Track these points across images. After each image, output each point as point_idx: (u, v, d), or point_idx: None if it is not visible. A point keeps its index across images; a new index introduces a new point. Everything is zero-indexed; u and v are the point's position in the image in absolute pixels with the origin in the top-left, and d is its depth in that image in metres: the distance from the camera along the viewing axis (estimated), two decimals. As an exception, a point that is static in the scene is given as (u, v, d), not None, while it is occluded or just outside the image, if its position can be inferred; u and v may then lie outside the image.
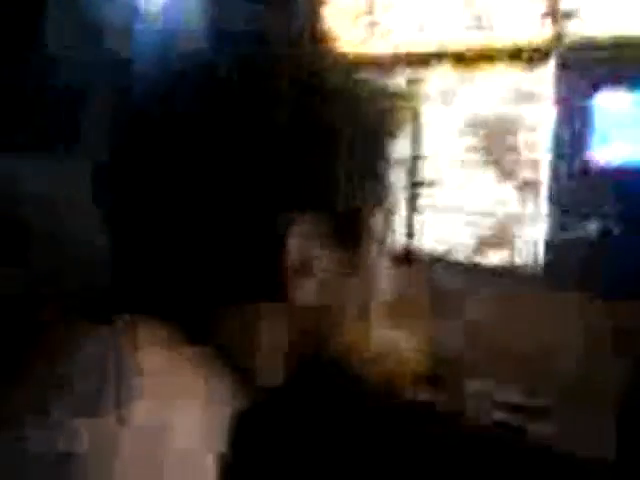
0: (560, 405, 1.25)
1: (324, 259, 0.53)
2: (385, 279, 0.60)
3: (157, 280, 0.52)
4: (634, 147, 1.34)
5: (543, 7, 1.43)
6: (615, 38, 1.34)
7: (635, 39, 1.32)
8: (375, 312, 0.60)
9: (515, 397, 1.28)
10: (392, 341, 1.57)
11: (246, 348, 0.55)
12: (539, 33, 1.44)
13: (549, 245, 1.45)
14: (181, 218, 0.51)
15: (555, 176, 1.44)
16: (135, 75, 0.51)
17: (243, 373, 0.55)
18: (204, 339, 0.52)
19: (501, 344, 1.47)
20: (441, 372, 1.46)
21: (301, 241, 0.51)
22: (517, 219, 1.50)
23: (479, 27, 1.54)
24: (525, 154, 1.48)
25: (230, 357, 0.54)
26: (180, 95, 0.49)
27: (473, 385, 1.42)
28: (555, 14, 1.41)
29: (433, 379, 1.36)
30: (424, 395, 1.28)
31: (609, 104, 1.36)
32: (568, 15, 1.40)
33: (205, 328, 0.53)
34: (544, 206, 1.46)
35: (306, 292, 0.52)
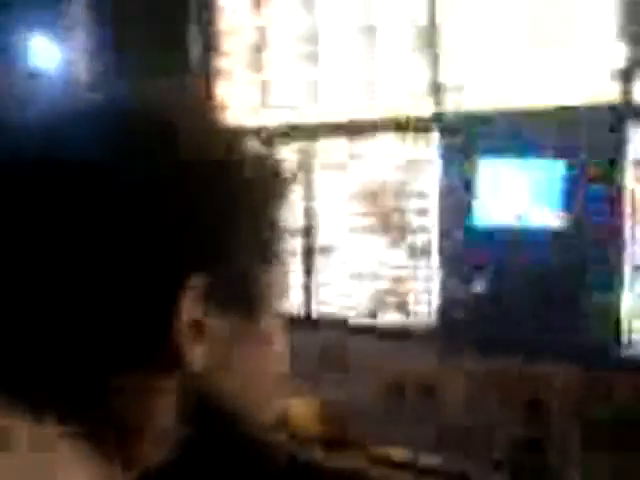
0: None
1: (216, 324, 0.54)
2: (280, 343, 0.61)
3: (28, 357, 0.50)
4: (514, 210, 1.42)
5: (426, 81, 1.52)
6: (495, 110, 1.43)
7: (514, 112, 1.41)
8: (272, 378, 0.61)
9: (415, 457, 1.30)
10: (291, 406, 1.58)
11: (131, 425, 0.54)
12: (424, 104, 1.52)
13: (441, 305, 1.51)
14: (63, 285, 0.49)
15: (443, 239, 1.51)
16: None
17: (127, 453, 0.54)
18: (82, 417, 0.51)
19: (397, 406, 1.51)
20: (342, 435, 1.48)
21: (193, 305, 0.51)
22: (409, 281, 1.55)
23: (368, 98, 1.60)
24: (414, 219, 1.54)
25: (109, 437, 0.52)
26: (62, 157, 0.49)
27: (376, 448, 1.44)
28: (437, 88, 1.50)
29: (336, 442, 1.37)
30: (327, 459, 1.28)
31: (490, 171, 1.44)
32: (450, 89, 1.48)
33: (85, 404, 0.51)
34: (434, 268, 1.52)
35: (198, 358, 0.52)
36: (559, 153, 1.36)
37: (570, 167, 1.35)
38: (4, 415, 0.48)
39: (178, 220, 0.49)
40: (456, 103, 1.48)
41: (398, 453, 1.30)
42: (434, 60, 1.50)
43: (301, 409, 1.53)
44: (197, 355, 0.51)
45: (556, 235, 1.36)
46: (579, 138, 1.34)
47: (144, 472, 0.54)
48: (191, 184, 0.51)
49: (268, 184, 0.56)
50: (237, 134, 0.58)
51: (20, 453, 0.46)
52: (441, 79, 1.50)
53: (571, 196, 1.35)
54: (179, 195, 0.50)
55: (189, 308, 0.49)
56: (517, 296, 1.42)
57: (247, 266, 0.54)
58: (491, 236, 1.45)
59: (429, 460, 1.24)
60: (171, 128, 0.52)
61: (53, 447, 0.47)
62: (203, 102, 0.63)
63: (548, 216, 1.38)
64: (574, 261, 1.34)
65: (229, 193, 0.53)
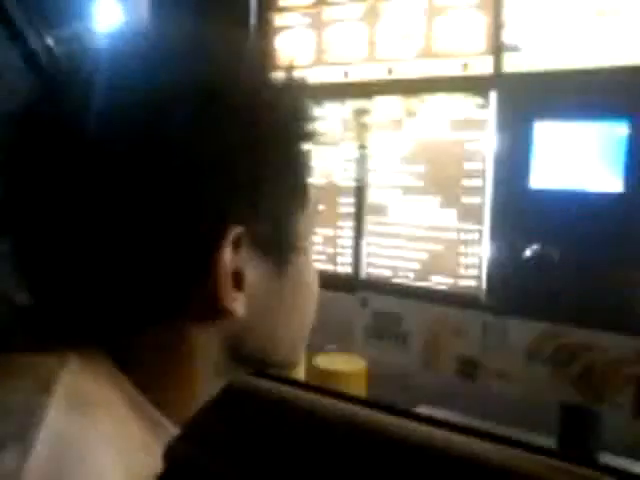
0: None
1: (254, 273, 0.53)
2: (313, 293, 0.62)
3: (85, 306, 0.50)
4: (573, 174, 1.38)
5: (486, 39, 1.47)
6: (556, 70, 1.38)
7: (572, 72, 1.36)
8: (305, 326, 0.61)
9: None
10: (335, 363, 1.58)
11: (174, 375, 0.54)
12: (482, 64, 1.48)
13: (491, 270, 1.48)
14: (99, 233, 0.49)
15: (497, 202, 1.47)
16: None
17: (170, 403, 0.54)
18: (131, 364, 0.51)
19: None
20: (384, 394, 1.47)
21: (232, 255, 0.50)
22: (460, 244, 1.53)
23: (425, 56, 1.57)
24: (469, 181, 1.51)
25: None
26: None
27: (420, 409, 1.43)
28: (497, 46, 1.45)
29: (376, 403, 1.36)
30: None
31: (548, 134, 1.40)
32: (509, 48, 1.44)
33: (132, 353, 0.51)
34: (487, 232, 1.49)
35: (239, 307, 0.52)
36: (622, 115, 1.31)
37: (634, 129, 1.30)
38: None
39: (217, 169, 0.49)
40: (516, 63, 1.44)
41: (441, 414, 1.28)
42: (495, 18, 1.46)
43: (346, 367, 1.53)
44: (238, 304, 0.51)
45: (617, 200, 1.31)
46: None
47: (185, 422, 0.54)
48: (229, 132, 0.50)
49: (299, 131, 0.57)
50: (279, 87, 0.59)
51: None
52: (502, 38, 1.45)
53: (634, 159, 1.30)
54: (217, 143, 0.49)
55: (229, 258, 0.49)
56: (572, 263, 1.38)
57: (282, 215, 0.55)
58: (547, 200, 1.41)
59: (474, 423, 1.22)
60: (217, 79, 0.51)
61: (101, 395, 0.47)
62: (253, 55, 0.63)
63: (609, 180, 1.33)
64: (635, 227, 1.30)
65: (264, 141, 0.53)
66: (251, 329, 0.55)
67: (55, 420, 0.42)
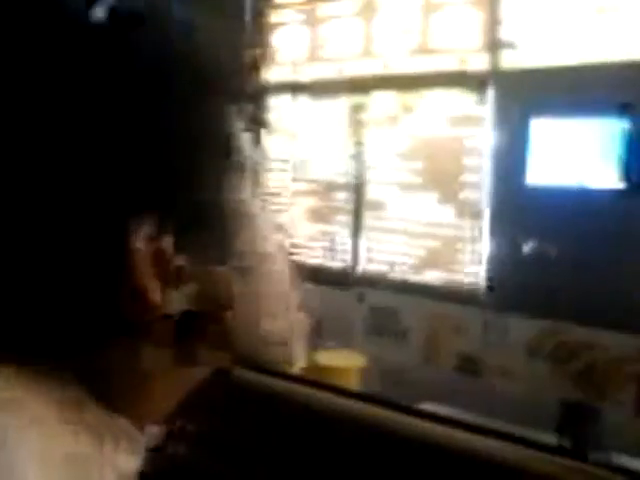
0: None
1: (188, 263, 0.50)
2: (279, 281, 0.57)
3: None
4: (570, 170, 1.38)
5: (482, 36, 1.47)
6: (552, 66, 1.39)
7: (569, 69, 1.36)
8: (273, 316, 0.57)
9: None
10: (333, 358, 1.57)
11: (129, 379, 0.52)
12: (479, 60, 1.49)
13: (489, 266, 1.49)
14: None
15: (495, 198, 1.48)
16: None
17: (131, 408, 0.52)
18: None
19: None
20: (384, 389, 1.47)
21: (149, 242, 0.48)
22: (458, 240, 1.53)
23: (422, 52, 1.57)
24: (466, 177, 1.52)
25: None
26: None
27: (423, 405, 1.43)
28: (494, 43, 1.46)
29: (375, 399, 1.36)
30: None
31: (545, 130, 1.40)
32: (506, 45, 1.44)
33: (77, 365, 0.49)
34: (484, 228, 1.49)
35: (172, 300, 0.49)
36: (620, 110, 1.31)
37: (632, 125, 1.31)
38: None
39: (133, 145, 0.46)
40: (513, 59, 1.44)
41: (444, 411, 1.29)
42: (492, 15, 1.46)
43: (342, 362, 1.53)
44: (171, 299, 0.47)
45: (614, 196, 1.32)
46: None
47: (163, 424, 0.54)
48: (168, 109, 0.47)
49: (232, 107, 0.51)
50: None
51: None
52: (499, 34, 1.45)
53: (632, 155, 1.31)
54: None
55: (142, 243, 0.45)
56: (570, 260, 1.38)
57: (214, 199, 0.49)
58: (545, 197, 1.41)
59: (474, 420, 1.23)
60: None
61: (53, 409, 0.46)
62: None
63: (606, 177, 1.33)
64: (633, 224, 1.30)
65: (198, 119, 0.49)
66: (200, 320, 0.49)
67: None
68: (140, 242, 0.44)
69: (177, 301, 0.47)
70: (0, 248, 0.45)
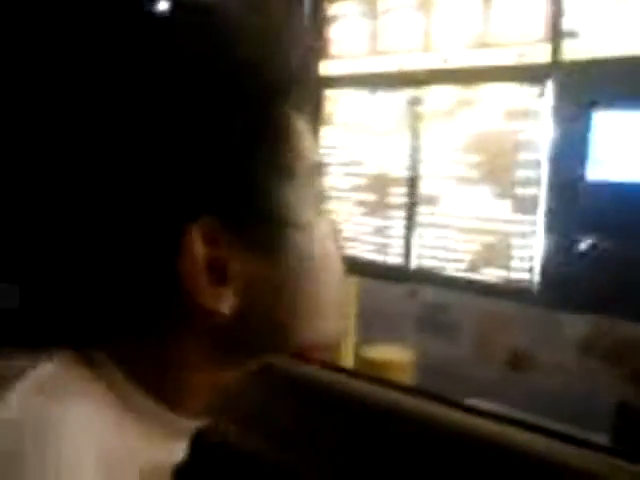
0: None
1: (240, 264, 0.49)
2: (327, 278, 0.56)
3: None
4: (629, 167, 1.34)
5: (543, 27, 1.44)
6: (616, 58, 1.35)
7: (633, 59, 1.32)
8: (321, 312, 0.57)
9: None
10: (382, 353, 1.57)
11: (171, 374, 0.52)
12: (539, 52, 1.45)
13: (545, 263, 1.45)
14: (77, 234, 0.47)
15: (552, 194, 1.44)
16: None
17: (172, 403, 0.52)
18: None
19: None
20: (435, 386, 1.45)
21: (204, 245, 0.47)
22: (514, 236, 1.50)
23: (480, 46, 1.54)
24: (524, 172, 1.48)
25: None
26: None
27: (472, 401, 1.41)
28: (555, 34, 1.42)
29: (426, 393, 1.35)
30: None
31: (606, 124, 1.36)
32: (568, 35, 1.40)
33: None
34: (540, 223, 1.46)
35: (224, 301, 0.48)
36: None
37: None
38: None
39: (181, 158, 0.45)
40: (574, 50, 1.40)
41: (492, 407, 1.27)
42: (553, 4, 1.42)
43: (392, 356, 1.52)
44: (222, 301, 0.48)
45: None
46: None
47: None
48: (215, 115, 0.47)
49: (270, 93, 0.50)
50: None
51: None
52: (560, 24, 1.42)
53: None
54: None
55: (200, 253, 0.45)
56: (628, 257, 1.34)
57: (260, 192, 0.50)
58: (604, 192, 1.37)
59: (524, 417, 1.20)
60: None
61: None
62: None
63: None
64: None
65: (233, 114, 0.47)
66: (247, 320, 0.51)
67: (15, 401, 0.42)
68: (196, 245, 0.44)
69: (228, 299, 0.48)
70: (67, 246, 0.46)
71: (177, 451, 0.53)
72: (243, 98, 0.48)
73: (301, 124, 0.54)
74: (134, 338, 0.50)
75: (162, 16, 0.47)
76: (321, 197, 0.56)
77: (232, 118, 0.48)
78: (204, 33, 0.46)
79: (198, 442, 0.55)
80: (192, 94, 0.45)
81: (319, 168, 0.57)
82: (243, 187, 0.47)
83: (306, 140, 0.55)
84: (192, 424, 0.53)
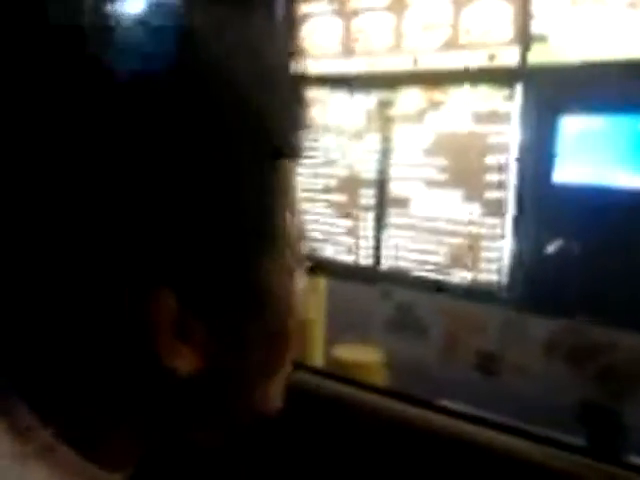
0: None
1: (206, 325, 0.46)
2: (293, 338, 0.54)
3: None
4: (597, 169, 1.36)
5: (513, 30, 1.46)
6: (583, 62, 1.36)
7: (601, 65, 1.34)
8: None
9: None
10: (353, 353, 1.57)
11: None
12: (508, 55, 1.47)
13: (513, 265, 1.47)
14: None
15: (520, 196, 1.46)
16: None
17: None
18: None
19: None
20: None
21: (169, 306, 0.43)
22: (482, 238, 1.51)
23: (452, 48, 1.55)
24: (492, 175, 1.50)
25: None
26: None
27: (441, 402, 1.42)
28: (525, 37, 1.44)
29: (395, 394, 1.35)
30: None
31: (574, 127, 1.38)
32: (537, 39, 1.42)
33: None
34: (508, 226, 1.47)
35: (186, 362, 0.44)
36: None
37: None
38: None
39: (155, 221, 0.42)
40: (543, 54, 1.42)
41: (459, 407, 1.27)
42: (523, 8, 1.44)
43: (363, 357, 1.53)
44: (182, 360, 0.45)
45: (641, 196, 1.29)
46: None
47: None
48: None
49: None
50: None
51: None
52: (530, 28, 1.43)
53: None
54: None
55: (166, 309, 0.43)
56: (595, 259, 1.36)
57: (244, 274, 0.46)
58: (572, 195, 1.39)
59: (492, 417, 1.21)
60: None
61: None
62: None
63: (636, 176, 1.31)
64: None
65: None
66: (204, 385, 0.47)
67: None
68: (160, 313, 0.42)
69: (188, 358, 0.45)
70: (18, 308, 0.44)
71: None
72: (236, 157, 0.44)
73: (293, 176, 0.52)
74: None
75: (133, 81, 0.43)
76: (301, 264, 0.53)
77: (219, 178, 0.43)
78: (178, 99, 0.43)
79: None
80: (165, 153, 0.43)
81: (302, 234, 0.52)
82: (223, 250, 0.44)
83: (294, 200, 0.51)
84: (118, 477, 0.50)
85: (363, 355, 1.55)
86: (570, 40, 1.38)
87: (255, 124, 0.46)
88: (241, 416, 0.53)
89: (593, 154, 1.37)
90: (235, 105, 0.44)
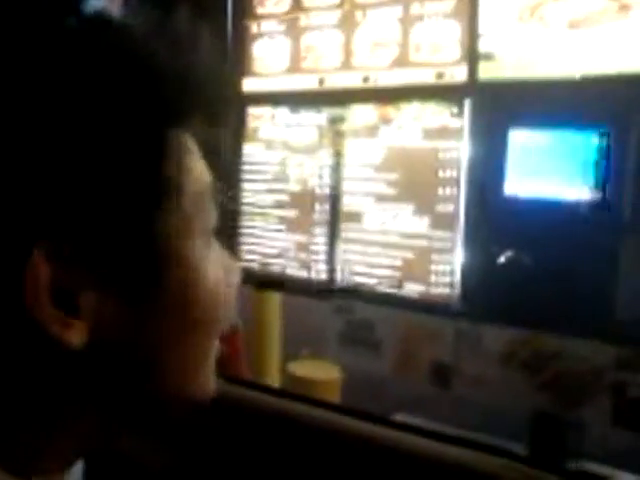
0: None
1: (96, 296, 0.43)
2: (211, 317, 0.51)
3: None
4: (544, 183, 1.39)
5: (460, 48, 1.48)
6: (530, 79, 1.40)
7: (547, 81, 1.37)
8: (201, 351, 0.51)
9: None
10: (308, 370, 1.57)
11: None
12: (457, 72, 1.49)
13: (465, 277, 1.49)
14: None
15: (471, 209, 1.48)
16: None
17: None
18: None
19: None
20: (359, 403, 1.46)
21: (52, 271, 0.41)
22: (434, 252, 1.53)
23: (401, 65, 1.58)
24: (442, 188, 1.52)
25: None
26: None
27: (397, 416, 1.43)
28: (472, 55, 1.46)
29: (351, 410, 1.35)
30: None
31: (521, 142, 1.41)
32: (484, 57, 1.45)
33: None
34: (459, 238, 1.49)
35: (75, 337, 0.42)
36: (597, 124, 1.32)
37: (608, 139, 1.31)
38: None
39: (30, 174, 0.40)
40: (491, 71, 1.45)
41: (417, 422, 1.28)
42: (471, 27, 1.47)
43: (320, 374, 1.52)
44: (72, 333, 0.42)
45: (590, 208, 1.33)
46: (617, 109, 1.31)
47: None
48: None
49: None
50: None
51: None
52: (477, 46, 1.46)
53: (608, 168, 1.32)
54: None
55: (44, 276, 0.40)
56: (546, 270, 1.38)
57: (139, 231, 0.43)
58: (521, 208, 1.42)
59: (446, 430, 1.22)
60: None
61: None
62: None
63: (582, 188, 1.34)
64: (608, 235, 1.31)
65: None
66: (104, 363, 0.44)
67: None
68: (39, 263, 0.40)
69: (78, 331, 0.42)
70: None
71: None
72: (127, 113, 0.43)
73: (192, 145, 0.50)
74: None
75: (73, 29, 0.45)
76: (211, 227, 0.49)
77: (103, 133, 0.41)
78: (105, 47, 0.44)
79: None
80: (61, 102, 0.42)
81: (209, 193, 0.49)
82: (104, 208, 0.41)
83: (197, 162, 0.48)
84: None
85: (318, 371, 1.55)
86: (516, 57, 1.41)
87: (156, 93, 0.44)
88: (162, 400, 0.49)
89: (540, 167, 1.40)
90: (141, 72, 0.44)
